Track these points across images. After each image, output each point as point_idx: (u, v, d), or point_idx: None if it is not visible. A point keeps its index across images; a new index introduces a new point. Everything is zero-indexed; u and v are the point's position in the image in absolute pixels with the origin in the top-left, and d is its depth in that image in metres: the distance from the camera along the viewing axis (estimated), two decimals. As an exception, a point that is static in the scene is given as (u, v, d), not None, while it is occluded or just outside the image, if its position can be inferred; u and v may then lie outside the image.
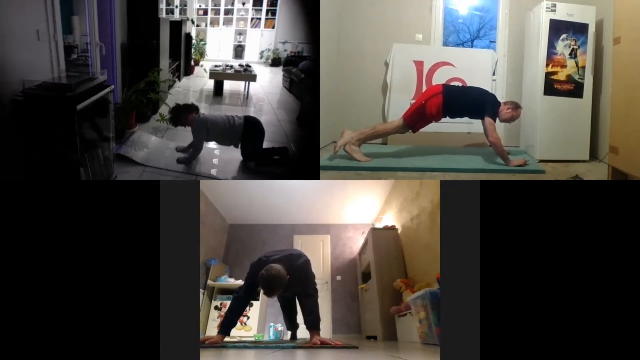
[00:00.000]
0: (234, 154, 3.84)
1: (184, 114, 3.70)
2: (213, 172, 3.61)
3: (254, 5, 8.92)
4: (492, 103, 3.59)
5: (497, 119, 3.61)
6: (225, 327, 2.87)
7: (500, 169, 3.41)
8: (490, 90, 3.99)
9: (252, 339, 4.11)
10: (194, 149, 3.71)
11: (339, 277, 5.25)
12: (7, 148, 2.39)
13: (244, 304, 3.11)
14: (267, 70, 8.06)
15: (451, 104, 3.56)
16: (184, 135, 3.97)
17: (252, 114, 5.24)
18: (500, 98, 3.96)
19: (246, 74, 6.11)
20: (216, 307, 4.36)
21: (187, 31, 6.96)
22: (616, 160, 2.87)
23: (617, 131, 2.89)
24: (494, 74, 4.54)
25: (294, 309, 3.43)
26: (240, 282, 4.59)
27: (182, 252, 2.10)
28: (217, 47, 9.01)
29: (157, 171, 3.50)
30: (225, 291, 4.54)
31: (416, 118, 3.57)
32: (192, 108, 3.77)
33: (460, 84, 4.40)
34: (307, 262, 3.03)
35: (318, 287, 3.12)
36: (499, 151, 3.49)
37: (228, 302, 4.35)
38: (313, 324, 2.90)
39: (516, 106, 3.63)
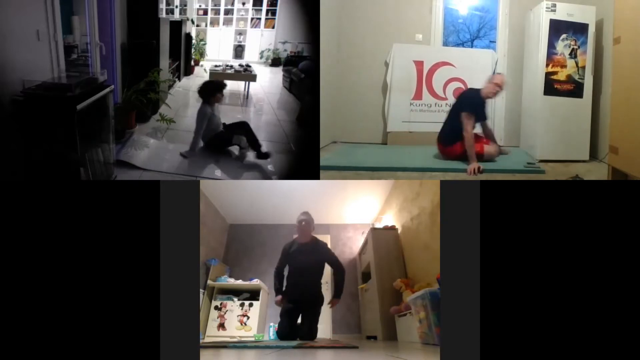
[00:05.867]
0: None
1: (215, 91, 3.83)
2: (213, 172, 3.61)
3: (254, 5, 8.92)
4: (469, 99, 3.52)
5: (485, 101, 3.48)
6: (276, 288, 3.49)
7: (501, 169, 3.40)
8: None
9: (252, 339, 4.11)
10: (195, 135, 3.73)
11: (339, 277, 5.24)
12: (7, 148, 2.39)
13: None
14: (267, 70, 8.06)
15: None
16: (184, 136, 3.97)
17: (252, 114, 5.26)
18: (500, 98, 3.96)
19: (246, 74, 6.11)
20: (216, 307, 4.36)
21: (187, 31, 6.96)
22: (616, 160, 2.87)
23: (617, 131, 2.89)
24: (494, 74, 4.54)
25: (297, 317, 3.42)
26: (240, 282, 4.59)
27: (182, 252, 2.09)
28: (217, 47, 9.01)
29: (157, 172, 3.49)
30: (225, 291, 4.53)
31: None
32: (222, 87, 3.89)
33: (460, 85, 4.40)
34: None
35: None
36: (468, 148, 3.36)
37: (228, 302, 4.35)
38: (338, 293, 3.53)
39: (494, 77, 3.53)
